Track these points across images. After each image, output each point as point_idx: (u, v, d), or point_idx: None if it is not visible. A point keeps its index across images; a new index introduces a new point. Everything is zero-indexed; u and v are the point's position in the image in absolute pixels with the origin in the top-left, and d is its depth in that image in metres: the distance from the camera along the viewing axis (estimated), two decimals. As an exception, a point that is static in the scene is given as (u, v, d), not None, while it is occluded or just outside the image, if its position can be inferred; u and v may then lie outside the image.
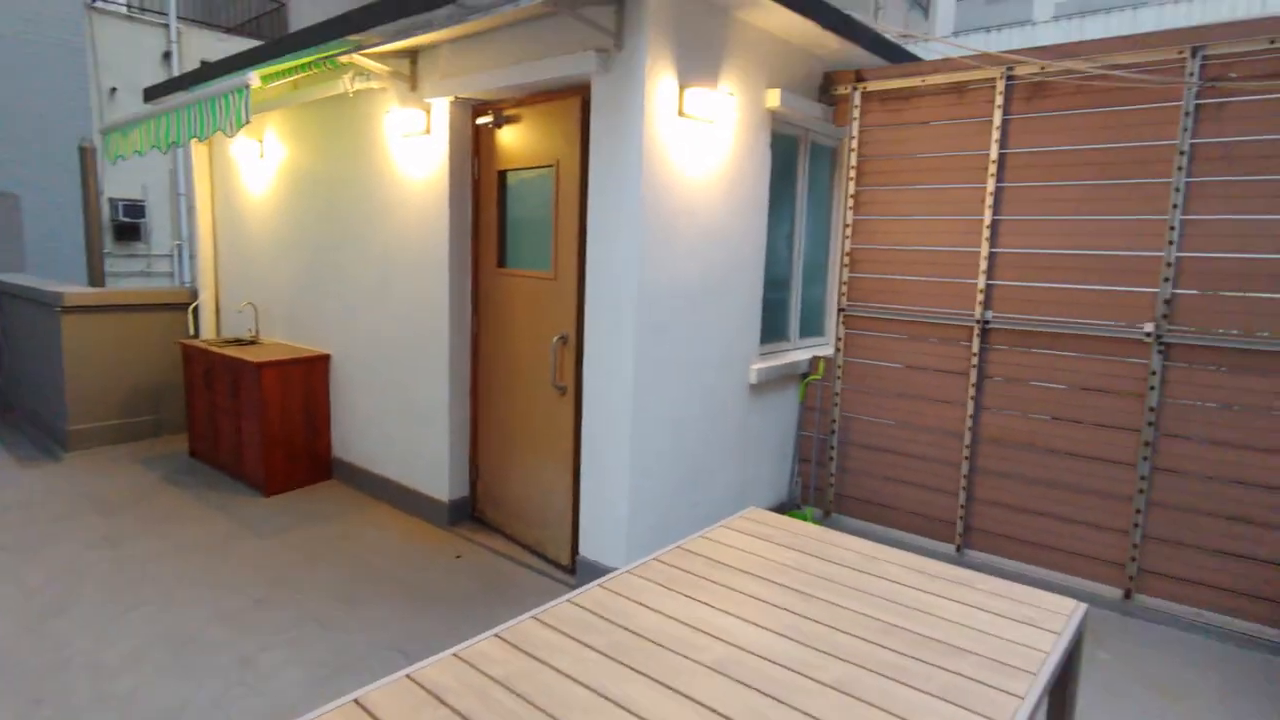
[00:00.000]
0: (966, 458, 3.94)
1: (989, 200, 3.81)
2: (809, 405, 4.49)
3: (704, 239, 3.61)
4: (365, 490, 4.87)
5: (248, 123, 3.76)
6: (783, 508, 4.49)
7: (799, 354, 4.49)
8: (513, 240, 4.05)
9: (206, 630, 3.15)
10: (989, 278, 3.84)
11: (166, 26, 14.83)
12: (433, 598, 3.49)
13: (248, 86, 3.75)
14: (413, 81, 4.17)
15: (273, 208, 5.39)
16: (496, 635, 1.74)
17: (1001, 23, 15.62)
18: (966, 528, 3.99)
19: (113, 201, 13.79)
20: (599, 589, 2.00)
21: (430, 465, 4.38)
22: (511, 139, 3.92)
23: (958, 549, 4.00)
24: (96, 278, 6.21)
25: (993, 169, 3.79)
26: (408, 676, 1.58)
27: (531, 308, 3.86)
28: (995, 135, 3.77)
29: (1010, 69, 3.72)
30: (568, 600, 1.93)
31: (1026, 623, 1.92)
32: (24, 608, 3.29)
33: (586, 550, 3.57)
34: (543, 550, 3.90)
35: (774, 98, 3.87)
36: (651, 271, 3.31)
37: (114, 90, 13.88)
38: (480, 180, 4.14)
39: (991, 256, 3.83)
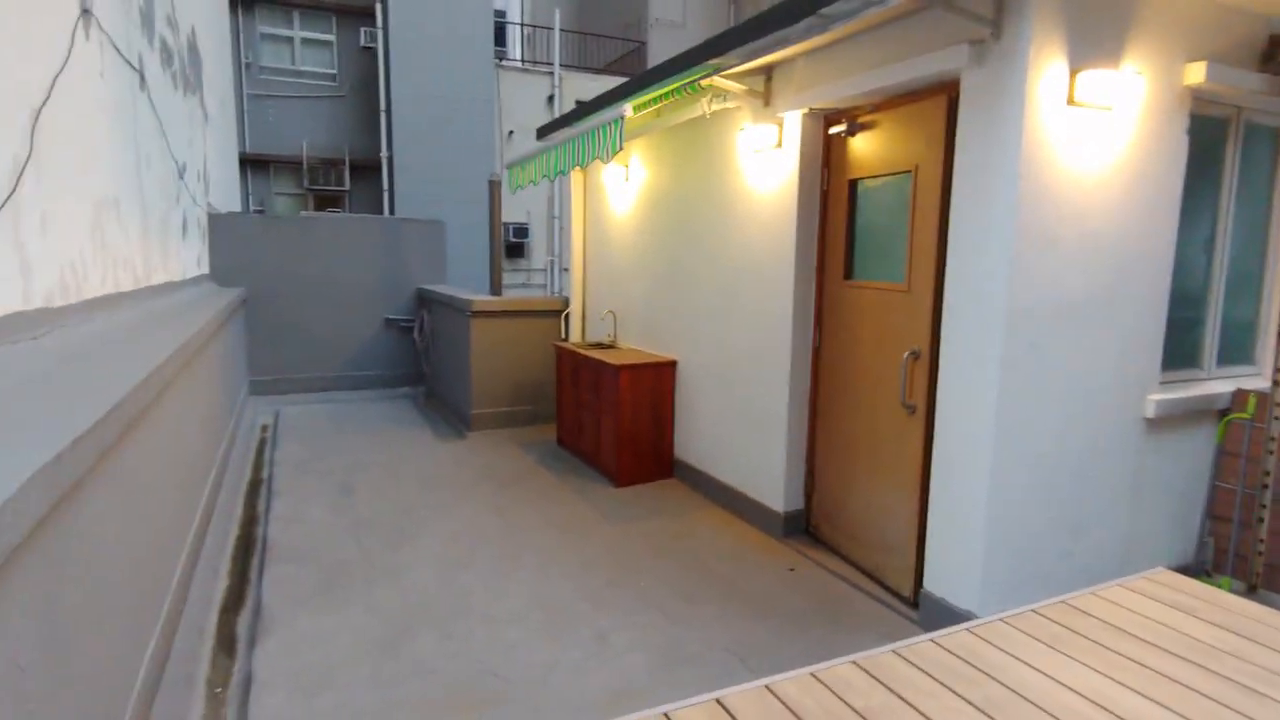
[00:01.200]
0: None
1: None
2: (1229, 450, 3.61)
3: (1092, 246, 3.11)
4: (701, 491, 5.11)
5: (620, 149, 4.18)
6: (1185, 572, 3.67)
7: (1217, 385, 3.64)
8: (860, 251, 3.93)
9: (571, 602, 3.56)
10: None
11: (551, 74, 17.38)
12: (766, 608, 3.52)
13: (622, 117, 4.18)
14: (766, 98, 4.27)
15: (633, 225, 5.95)
16: (855, 662, 1.66)
17: None
18: None
19: (505, 225, 16.62)
20: (967, 634, 1.81)
21: (765, 474, 4.43)
22: (864, 146, 3.80)
23: None
24: (496, 287, 7.48)
25: None
26: (766, 687, 1.58)
27: (879, 320, 3.69)
28: None
29: None
30: (930, 640, 1.77)
31: None
32: (440, 559, 4.04)
33: (932, 585, 3.29)
34: (881, 576, 3.70)
35: (1196, 72, 3.20)
36: (1025, 283, 2.94)
37: (511, 133, 16.67)
38: (828, 191, 4.08)
39: None
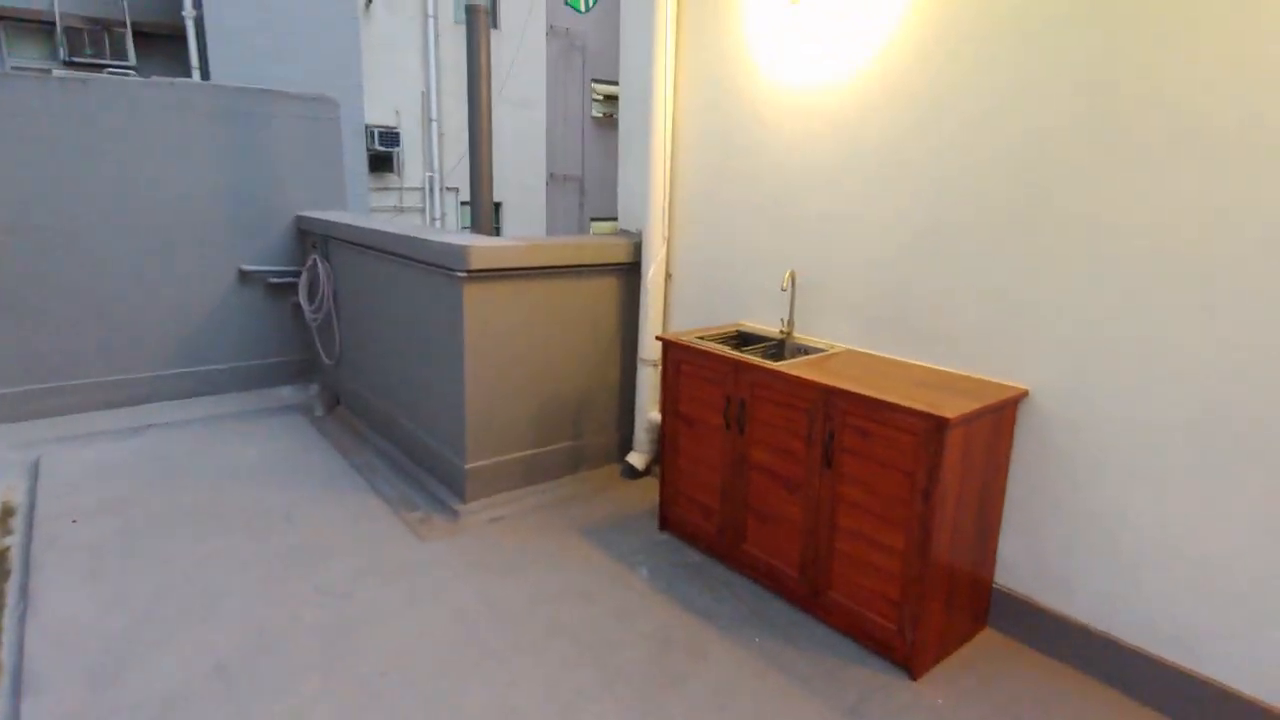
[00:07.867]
0: None
1: None
2: None
3: None
4: (1090, 669, 2.36)
5: None
6: None
7: None
8: None
9: None
10: None
11: (421, -75, 12.97)
12: None
13: None
14: None
15: (861, 91, 2.84)
16: None
17: None
18: None
19: (369, 129, 12.37)
20: None
21: None
22: None
23: None
24: (486, 221, 4.01)
25: None
26: None
27: None
28: None
29: None
30: None
31: None
32: None
33: None
34: None
35: None
36: None
37: (369, 1, 12.27)
38: None
39: None
